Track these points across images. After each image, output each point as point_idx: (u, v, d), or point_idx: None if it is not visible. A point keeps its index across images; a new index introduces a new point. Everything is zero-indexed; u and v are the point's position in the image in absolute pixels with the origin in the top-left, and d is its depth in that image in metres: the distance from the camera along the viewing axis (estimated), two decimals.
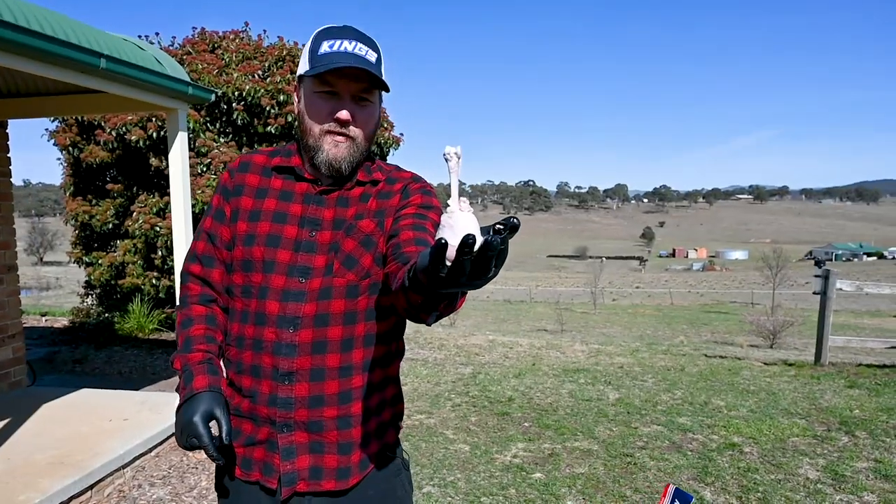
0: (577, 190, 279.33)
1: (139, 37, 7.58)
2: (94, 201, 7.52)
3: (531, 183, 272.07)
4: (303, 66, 1.23)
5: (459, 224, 0.77)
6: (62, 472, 3.21)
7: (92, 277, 7.83)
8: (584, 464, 3.64)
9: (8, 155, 4.53)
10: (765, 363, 6.70)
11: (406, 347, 1.42)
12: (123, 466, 3.49)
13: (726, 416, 4.55)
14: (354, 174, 1.28)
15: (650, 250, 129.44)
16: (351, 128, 1.22)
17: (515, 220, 0.77)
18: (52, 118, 7.13)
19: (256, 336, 1.23)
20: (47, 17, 2.97)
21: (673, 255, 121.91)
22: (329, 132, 1.21)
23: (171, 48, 7.50)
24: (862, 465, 3.61)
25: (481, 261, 0.74)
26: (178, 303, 1.37)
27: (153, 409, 4.17)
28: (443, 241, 0.74)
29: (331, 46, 1.19)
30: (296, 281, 1.22)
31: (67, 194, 7.80)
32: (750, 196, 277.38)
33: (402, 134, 8.17)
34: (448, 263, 0.76)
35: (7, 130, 4.52)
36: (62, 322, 8.88)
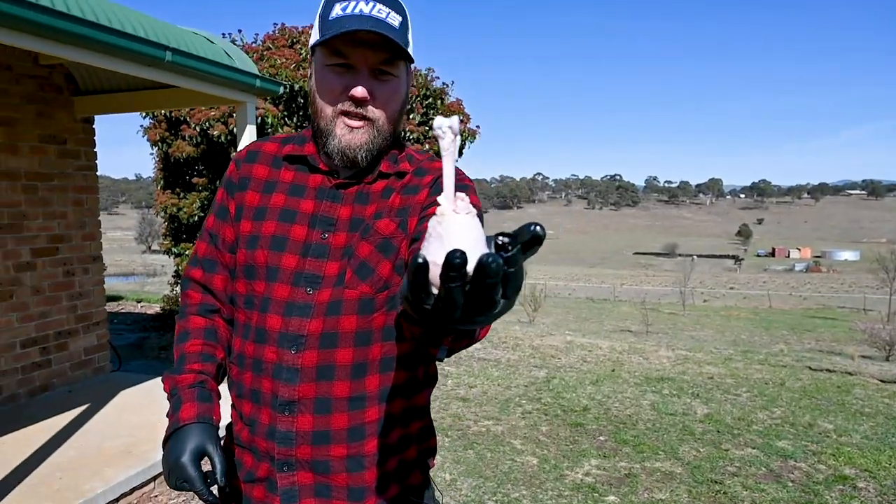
0: (666, 184, 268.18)
1: (223, 34, 7.79)
2: (181, 194, 7.81)
3: (618, 177, 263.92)
4: (313, 36, 1.03)
5: (451, 233, 0.54)
6: (128, 461, 3.25)
7: (180, 268, 8.15)
8: (664, 488, 3.28)
9: (94, 150, 4.70)
10: (881, 381, 5.96)
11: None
12: None
13: (835, 441, 4.02)
14: (376, 164, 1.07)
15: (746, 249, 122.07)
16: (369, 108, 1.01)
17: (537, 227, 0.53)
18: (142, 114, 7.45)
19: (256, 355, 1.05)
20: (115, 11, 2.97)
21: (772, 254, 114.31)
22: (343, 113, 1.01)
23: (252, 45, 7.65)
24: None
25: (479, 291, 0.50)
26: (180, 307, 1.20)
27: (225, 398, 4.18)
28: (420, 260, 0.51)
29: (343, 9, 0.97)
30: (302, 291, 1.02)
31: (158, 187, 8.15)
32: (863, 191, 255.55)
33: (478, 126, 7.94)
34: (434, 291, 0.53)
35: (94, 126, 4.68)
36: (155, 309, 9.36)
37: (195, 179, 7.57)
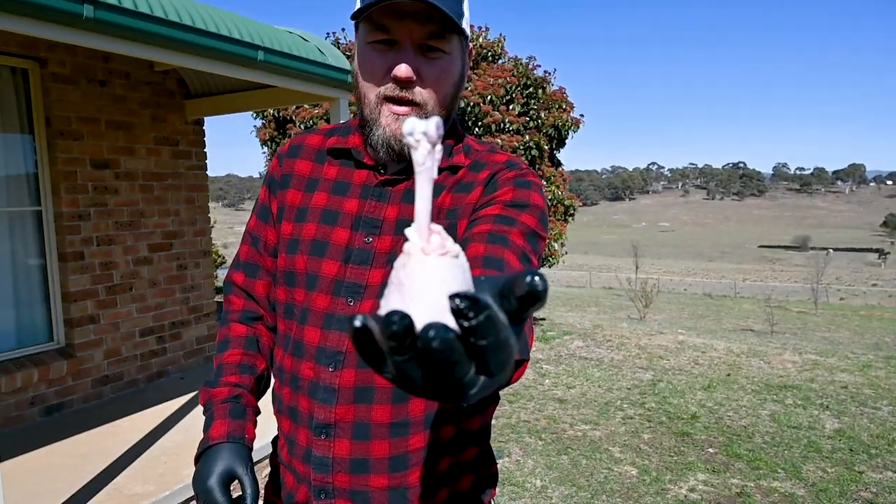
0: (798, 172, 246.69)
1: (326, 34, 8.01)
2: None
3: (741, 165, 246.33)
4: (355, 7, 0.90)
5: (413, 281, 0.39)
6: None
7: None
8: None
9: (204, 150, 4.97)
10: None
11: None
12: None
13: None
14: None
15: (893, 242, 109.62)
16: (416, 90, 0.87)
17: (535, 280, 0.37)
18: (254, 115, 7.84)
19: (294, 370, 0.96)
20: (211, 13, 3.07)
21: None
22: (387, 99, 0.88)
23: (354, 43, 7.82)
24: None
25: (431, 370, 0.36)
26: (222, 317, 1.13)
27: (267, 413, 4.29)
28: (358, 324, 0.36)
29: None
30: (343, 302, 0.92)
31: None
32: None
33: (582, 115, 7.60)
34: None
35: (203, 128, 4.95)
36: None
37: None
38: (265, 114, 7.70)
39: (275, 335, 1.07)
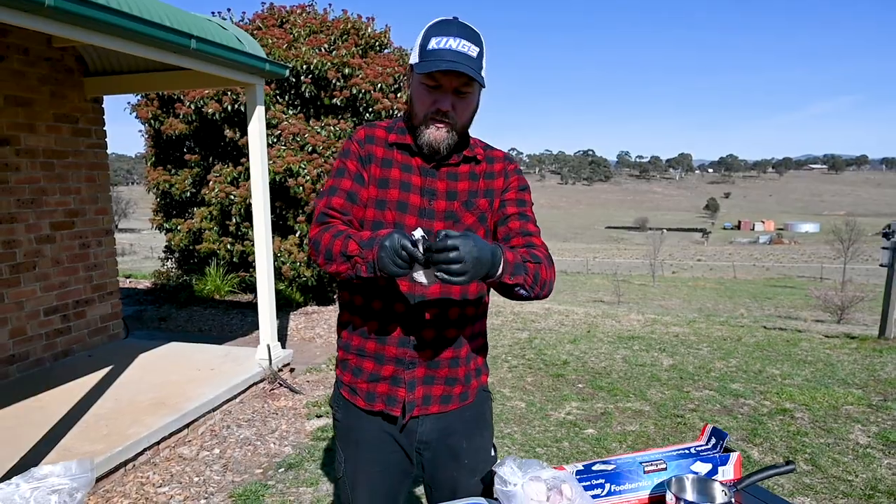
0: (638, 160, 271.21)
1: (212, 13, 7.96)
2: (173, 171, 8.03)
3: (590, 153, 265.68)
4: (413, 58, 1.40)
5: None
6: (162, 411, 3.63)
7: (172, 243, 8.41)
8: (635, 422, 3.81)
9: (104, 129, 4.96)
10: (826, 336, 6.61)
11: None
12: (213, 410, 3.90)
13: (780, 384, 4.60)
14: (453, 153, 1.47)
15: (714, 222, 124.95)
16: (450, 114, 1.40)
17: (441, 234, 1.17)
18: (136, 93, 7.62)
19: (390, 286, 1.43)
20: (146, 3, 3.27)
21: (738, 227, 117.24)
22: (432, 119, 1.40)
23: (241, 23, 7.83)
24: None
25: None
26: (318, 231, 1.41)
27: (235, 361, 4.58)
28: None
29: (438, 43, 1.33)
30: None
31: (149, 164, 8.35)
32: (824, 166, 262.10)
33: None
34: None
35: (102, 106, 4.94)
36: (145, 284, 9.58)
37: (187, 156, 7.80)
38: (147, 92, 7.52)
39: None
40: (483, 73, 1.39)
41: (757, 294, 22.62)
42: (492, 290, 1.49)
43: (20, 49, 4.23)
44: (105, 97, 4.97)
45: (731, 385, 4.55)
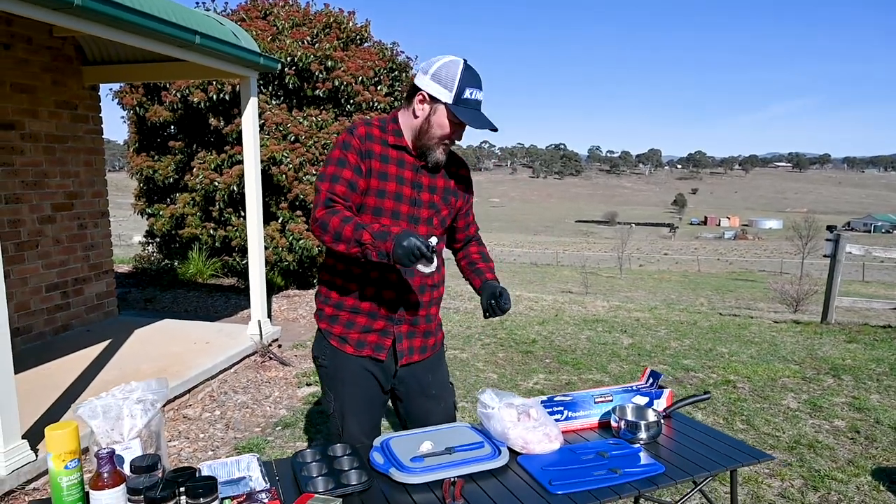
0: (608, 154, 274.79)
1: (196, 4, 8.15)
2: (156, 157, 8.20)
3: (562, 147, 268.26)
4: (442, 93, 1.70)
5: None
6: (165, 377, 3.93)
7: (154, 227, 8.59)
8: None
9: (100, 115, 5.19)
10: (774, 321, 7.18)
11: (443, 296, 2.10)
12: (211, 378, 4.22)
13: (727, 360, 5.10)
14: None
15: (681, 217, 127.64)
16: (455, 141, 1.81)
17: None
18: (132, 82, 7.77)
19: (386, 264, 1.78)
20: (157, 1, 3.55)
21: (704, 222, 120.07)
22: (443, 143, 1.79)
23: (224, 13, 8.03)
24: (840, 400, 4.15)
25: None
26: (324, 213, 1.67)
27: (229, 336, 4.89)
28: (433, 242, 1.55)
29: (471, 94, 1.71)
30: (412, 226, 1.81)
31: (132, 150, 8.50)
32: (788, 164, 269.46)
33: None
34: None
35: (99, 93, 5.17)
36: (125, 268, 9.74)
37: (171, 143, 7.99)
38: None
39: None
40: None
41: (719, 287, 23.52)
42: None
43: (24, 38, 4.45)
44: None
45: (684, 361, 5.03)
